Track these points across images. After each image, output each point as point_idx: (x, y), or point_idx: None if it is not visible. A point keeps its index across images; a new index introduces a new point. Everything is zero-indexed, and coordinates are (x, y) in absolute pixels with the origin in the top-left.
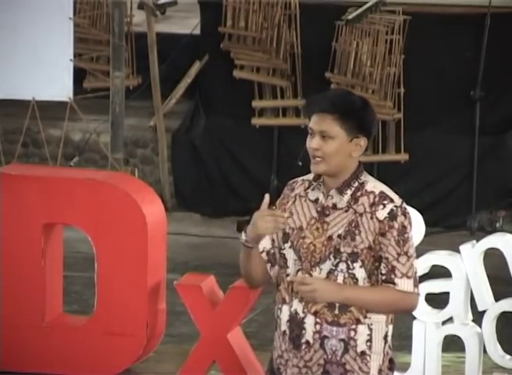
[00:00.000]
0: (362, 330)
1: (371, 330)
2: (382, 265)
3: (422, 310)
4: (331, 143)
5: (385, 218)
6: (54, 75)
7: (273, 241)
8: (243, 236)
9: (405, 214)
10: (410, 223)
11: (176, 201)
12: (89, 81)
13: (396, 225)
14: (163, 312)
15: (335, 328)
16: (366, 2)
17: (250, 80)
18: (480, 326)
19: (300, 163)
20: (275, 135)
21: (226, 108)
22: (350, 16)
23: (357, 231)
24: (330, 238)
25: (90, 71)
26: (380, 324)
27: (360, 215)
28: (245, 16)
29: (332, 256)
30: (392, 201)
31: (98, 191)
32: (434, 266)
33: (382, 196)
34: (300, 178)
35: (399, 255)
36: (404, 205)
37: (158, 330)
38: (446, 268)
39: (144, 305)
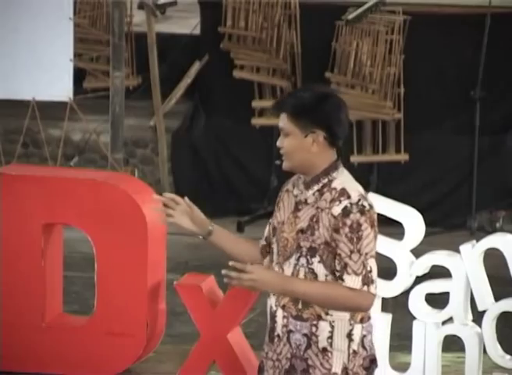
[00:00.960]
0: (324, 327)
1: (332, 327)
2: (336, 261)
3: (422, 310)
4: (288, 140)
5: (339, 214)
6: (54, 75)
7: (269, 233)
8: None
9: (362, 211)
10: (368, 221)
11: None
12: (89, 81)
13: (348, 222)
14: (163, 312)
15: (299, 322)
16: (366, 2)
17: (250, 80)
18: (480, 326)
19: (279, 162)
20: (275, 135)
21: (226, 108)
22: (350, 16)
23: (316, 226)
24: (297, 233)
25: (90, 71)
26: (342, 322)
27: (322, 210)
28: (245, 16)
29: (296, 251)
30: (348, 197)
31: (98, 191)
32: (434, 266)
33: (342, 192)
34: (297, 175)
35: (351, 252)
36: (364, 202)
37: (158, 330)
38: (446, 268)
39: (144, 305)
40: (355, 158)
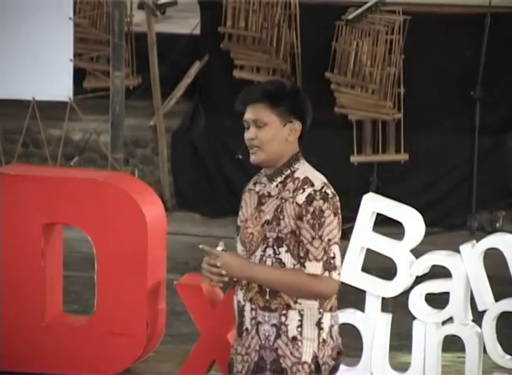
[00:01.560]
0: (293, 316)
1: (301, 315)
2: (300, 248)
3: (422, 310)
4: (265, 130)
5: (303, 202)
6: (54, 75)
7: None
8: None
9: (325, 198)
10: (331, 208)
11: (175, 201)
12: (89, 81)
13: (310, 209)
14: (163, 312)
15: (267, 313)
16: (366, 2)
17: (250, 80)
18: (480, 326)
19: (241, 157)
20: None
21: (226, 108)
22: (350, 16)
23: (281, 216)
24: (262, 225)
25: (90, 71)
26: (311, 310)
27: (285, 200)
28: (245, 16)
29: (261, 242)
30: (312, 185)
31: (98, 191)
32: (434, 266)
33: (305, 181)
34: (258, 173)
35: (313, 238)
36: (327, 190)
37: (158, 330)
38: (446, 268)
39: (144, 305)
40: (355, 158)
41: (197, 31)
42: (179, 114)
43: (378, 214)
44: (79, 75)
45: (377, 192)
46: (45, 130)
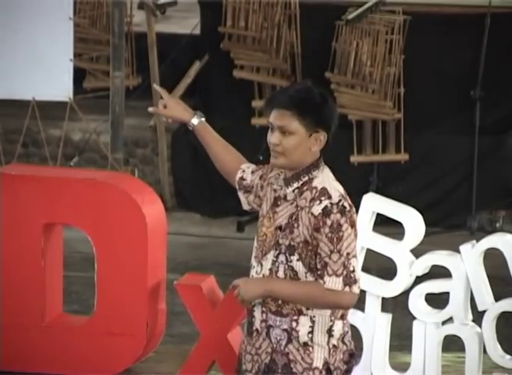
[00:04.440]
0: (304, 322)
1: (313, 322)
2: (317, 260)
3: (422, 310)
4: (291, 138)
5: (319, 214)
6: (54, 75)
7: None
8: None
9: (342, 212)
10: (348, 221)
11: (176, 201)
12: (89, 81)
13: (328, 222)
14: (163, 312)
15: (278, 318)
16: (366, 2)
17: (250, 80)
18: (480, 326)
19: (261, 157)
20: None
21: (226, 108)
22: (350, 16)
23: (295, 224)
24: (275, 229)
25: (90, 71)
26: (323, 317)
27: (301, 209)
28: (245, 16)
29: (274, 247)
30: (329, 197)
31: (98, 191)
32: (434, 266)
33: (322, 192)
34: (279, 171)
35: (331, 252)
36: (344, 203)
37: (158, 330)
38: (446, 268)
39: (144, 305)
40: (355, 158)
41: (197, 31)
42: None
43: (378, 214)
44: (79, 75)
45: (377, 192)
46: (45, 130)
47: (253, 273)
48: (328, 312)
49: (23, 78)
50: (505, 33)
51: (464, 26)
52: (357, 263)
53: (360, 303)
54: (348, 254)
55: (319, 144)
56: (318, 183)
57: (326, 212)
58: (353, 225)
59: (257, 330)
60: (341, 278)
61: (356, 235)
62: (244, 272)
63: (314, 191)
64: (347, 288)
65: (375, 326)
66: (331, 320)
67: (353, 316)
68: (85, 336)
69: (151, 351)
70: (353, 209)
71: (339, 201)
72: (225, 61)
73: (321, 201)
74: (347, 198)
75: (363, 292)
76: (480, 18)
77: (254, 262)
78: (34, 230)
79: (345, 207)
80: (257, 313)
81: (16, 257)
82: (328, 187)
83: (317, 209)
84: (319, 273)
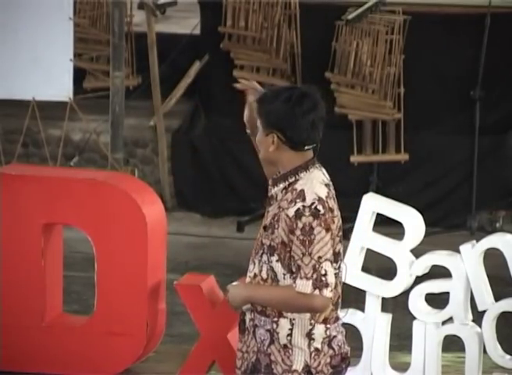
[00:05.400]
0: (284, 324)
1: (292, 324)
2: (292, 262)
3: (422, 310)
4: (258, 134)
5: (292, 216)
6: (54, 75)
7: None
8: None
9: (315, 215)
10: (322, 224)
11: (176, 201)
12: (89, 81)
13: (300, 224)
14: (163, 312)
15: (263, 318)
16: (366, 2)
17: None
18: (480, 326)
19: None
20: None
21: (226, 108)
22: (350, 16)
23: (276, 225)
24: (262, 228)
25: (90, 71)
26: (303, 320)
27: (282, 210)
28: (245, 16)
29: (260, 246)
30: (303, 200)
31: (98, 191)
32: (434, 266)
33: (299, 194)
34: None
35: (303, 255)
36: (318, 206)
37: (158, 330)
38: (446, 268)
39: (144, 305)
40: (355, 158)
41: (197, 31)
42: (179, 114)
43: (378, 214)
44: (79, 75)
45: (377, 192)
46: (45, 130)
47: (248, 272)
48: (308, 315)
49: (22, 78)
50: (505, 33)
51: (464, 26)
52: (330, 267)
53: (360, 303)
54: (320, 257)
55: (276, 145)
56: (299, 185)
57: (298, 214)
58: (328, 229)
59: (247, 328)
60: (311, 281)
61: (333, 238)
62: (244, 272)
63: (294, 193)
64: (317, 291)
65: (375, 326)
66: (310, 324)
67: (353, 316)
68: (85, 336)
69: (151, 351)
70: (333, 213)
71: (312, 204)
72: (225, 61)
73: (295, 204)
74: (326, 201)
75: (363, 292)
76: (480, 18)
77: (250, 260)
78: (34, 230)
79: (318, 210)
80: (247, 312)
81: (16, 257)
82: (307, 189)
83: (291, 211)
84: (294, 275)
